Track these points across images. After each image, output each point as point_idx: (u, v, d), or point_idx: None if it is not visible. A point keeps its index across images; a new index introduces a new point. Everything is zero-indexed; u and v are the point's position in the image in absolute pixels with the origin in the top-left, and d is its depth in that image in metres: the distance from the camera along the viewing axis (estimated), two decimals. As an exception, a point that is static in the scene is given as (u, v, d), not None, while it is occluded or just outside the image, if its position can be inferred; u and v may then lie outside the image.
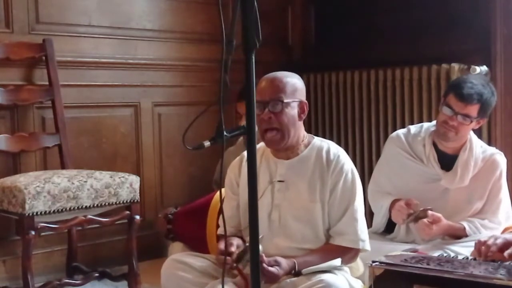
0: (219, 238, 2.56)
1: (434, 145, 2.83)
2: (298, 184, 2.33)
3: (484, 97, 2.68)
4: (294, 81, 2.32)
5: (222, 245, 2.22)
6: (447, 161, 2.80)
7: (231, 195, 2.43)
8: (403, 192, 2.83)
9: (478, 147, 2.81)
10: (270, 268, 2.14)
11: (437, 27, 3.90)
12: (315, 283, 2.11)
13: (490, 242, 2.26)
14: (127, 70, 3.79)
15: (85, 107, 3.63)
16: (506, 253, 2.20)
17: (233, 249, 2.21)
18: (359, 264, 2.46)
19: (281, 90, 2.27)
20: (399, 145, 2.90)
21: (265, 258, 2.15)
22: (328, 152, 2.35)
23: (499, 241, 2.26)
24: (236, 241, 2.29)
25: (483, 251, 2.24)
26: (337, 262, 2.25)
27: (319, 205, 2.31)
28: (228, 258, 2.15)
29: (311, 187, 2.32)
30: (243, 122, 3.30)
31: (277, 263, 2.17)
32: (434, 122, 2.87)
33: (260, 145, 2.48)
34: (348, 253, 2.31)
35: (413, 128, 2.93)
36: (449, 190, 2.80)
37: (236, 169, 2.44)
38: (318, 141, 2.40)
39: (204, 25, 4.09)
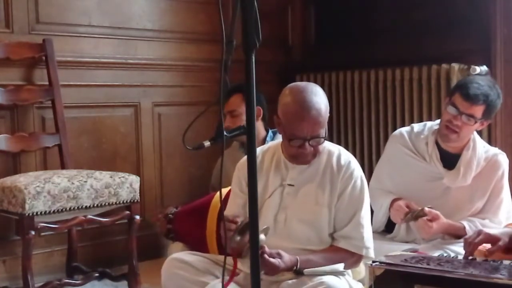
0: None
1: (437, 143, 2.83)
2: (307, 188, 2.33)
3: (490, 98, 2.69)
4: (327, 107, 2.28)
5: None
6: (449, 160, 2.80)
7: (238, 193, 2.43)
8: (404, 190, 2.84)
9: (481, 147, 2.82)
10: (271, 260, 2.15)
11: (437, 27, 3.90)
12: (316, 285, 2.12)
13: (471, 240, 2.27)
14: (127, 70, 3.79)
15: (85, 107, 3.63)
16: (486, 250, 2.22)
17: (238, 220, 2.19)
18: (361, 267, 2.46)
19: (322, 125, 2.25)
20: (401, 142, 2.90)
21: (266, 249, 2.15)
22: (339, 157, 2.36)
23: (480, 237, 2.26)
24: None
25: (468, 249, 2.25)
26: (340, 266, 2.26)
27: (326, 209, 2.31)
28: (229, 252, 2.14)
29: (320, 190, 2.32)
30: (227, 123, 3.33)
31: (279, 256, 2.18)
32: (437, 121, 2.87)
33: (270, 146, 2.48)
34: (351, 258, 2.31)
35: (416, 127, 2.94)
36: (451, 189, 2.81)
37: (245, 168, 2.43)
38: (328, 145, 2.40)
39: (204, 25, 4.09)
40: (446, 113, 2.75)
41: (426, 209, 2.65)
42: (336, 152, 2.38)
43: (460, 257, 2.26)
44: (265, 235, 2.14)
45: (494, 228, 2.74)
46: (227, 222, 2.20)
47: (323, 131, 2.26)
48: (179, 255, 2.42)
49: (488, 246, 2.29)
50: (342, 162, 2.35)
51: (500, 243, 2.25)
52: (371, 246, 2.33)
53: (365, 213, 2.35)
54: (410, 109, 3.93)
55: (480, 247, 2.32)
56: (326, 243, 2.33)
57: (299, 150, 2.27)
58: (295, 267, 2.20)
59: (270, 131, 3.46)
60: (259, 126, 3.40)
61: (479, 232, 2.30)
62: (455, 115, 2.70)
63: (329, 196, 2.32)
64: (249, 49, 1.65)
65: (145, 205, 3.77)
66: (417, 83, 3.88)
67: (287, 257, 2.19)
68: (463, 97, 2.69)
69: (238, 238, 2.11)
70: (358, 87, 4.18)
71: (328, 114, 2.28)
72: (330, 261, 2.26)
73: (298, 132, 2.23)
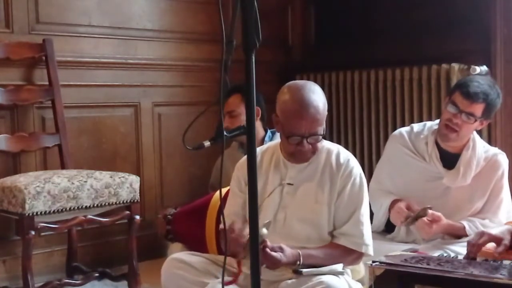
0: (221, 232, 2.54)
1: (437, 143, 2.83)
2: (307, 187, 2.34)
3: (489, 97, 2.69)
4: (325, 105, 2.28)
5: (235, 225, 2.20)
6: (449, 160, 2.80)
7: (238, 193, 2.43)
8: (404, 190, 2.84)
9: (481, 147, 2.82)
10: (273, 253, 2.15)
11: (437, 27, 3.90)
12: (316, 285, 2.12)
13: (474, 241, 2.27)
14: (127, 70, 3.79)
15: (85, 107, 3.63)
16: (495, 252, 2.22)
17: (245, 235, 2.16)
18: (361, 267, 2.46)
19: (320, 123, 2.26)
20: (401, 142, 2.90)
21: (268, 243, 2.16)
22: (338, 155, 2.37)
23: (483, 238, 2.26)
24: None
25: (471, 251, 2.25)
26: (338, 267, 2.26)
27: (326, 207, 2.32)
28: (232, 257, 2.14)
29: (320, 189, 2.33)
30: (226, 123, 3.33)
31: (281, 250, 2.18)
32: (437, 121, 2.88)
33: (269, 146, 2.49)
34: (351, 255, 2.32)
35: (416, 126, 2.94)
36: (450, 189, 2.81)
37: (244, 168, 2.43)
38: (327, 144, 2.41)
39: (204, 25, 4.09)
40: (446, 112, 2.75)
41: (429, 211, 2.64)
42: (335, 150, 2.39)
43: (460, 257, 2.26)
44: (267, 229, 2.14)
45: (494, 227, 2.74)
46: (236, 234, 2.18)
47: (321, 129, 2.27)
48: (179, 256, 2.42)
49: (489, 246, 2.29)
50: (341, 160, 2.36)
51: (505, 242, 2.25)
52: (371, 244, 2.34)
53: (365, 211, 2.36)
54: (410, 109, 3.93)
55: (484, 248, 2.32)
56: (326, 241, 2.33)
57: (298, 148, 2.27)
58: (298, 262, 2.21)
59: (268, 131, 3.46)
60: (258, 126, 3.40)
61: (482, 233, 2.30)
62: (455, 113, 2.70)
63: (328, 194, 2.32)
64: (249, 49, 1.65)
65: (145, 205, 3.77)
66: (417, 83, 3.88)
67: (288, 251, 2.20)
68: (463, 95, 2.69)
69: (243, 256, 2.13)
70: (358, 87, 4.18)
71: (326, 112, 2.29)
72: (331, 257, 2.27)
73: (297, 130, 2.24)
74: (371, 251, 2.33)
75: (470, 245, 2.28)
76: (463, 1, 3.81)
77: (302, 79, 4.26)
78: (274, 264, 2.17)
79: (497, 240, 2.26)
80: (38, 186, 2.79)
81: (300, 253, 2.22)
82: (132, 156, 3.84)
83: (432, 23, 3.92)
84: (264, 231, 2.12)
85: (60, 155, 3.35)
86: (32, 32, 3.39)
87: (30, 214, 2.76)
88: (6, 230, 3.30)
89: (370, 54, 4.14)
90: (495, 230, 2.34)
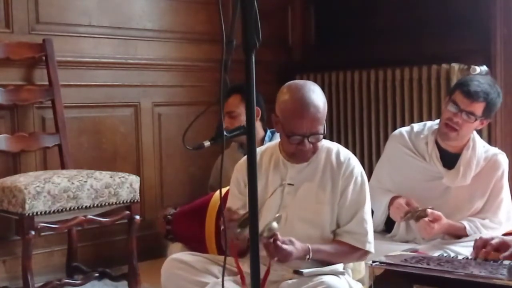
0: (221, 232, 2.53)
1: (437, 143, 2.84)
2: (307, 187, 2.34)
3: (490, 96, 2.70)
4: (325, 104, 2.29)
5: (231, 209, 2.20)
6: (449, 160, 2.80)
7: (237, 195, 2.43)
8: (404, 189, 2.84)
9: (481, 147, 2.82)
10: (285, 246, 2.15)
11: (437, 27, 3.90)
12: (316, 285, 2.13)
13: (485, 240, 2.27)
14: (127, 70, 3.79)
15: (85, 107, 3.63)
16: (501, 256, 2.21)
17: (240, 212, 2.17)
18: (362, 267, 2.46)
19: (321, 121, 2.26)
20: (401, 142, 2.91)
21: (279, 237, 2.15)
22: (338, 154, 2.37)
23: (495, 240, 2.26)
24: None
25: (483, 250, 2.24)
26: (339, 267, 2.27)
27: (328, 207, 2.32)
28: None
29: (321, 189, 2.33)
30: (225, 124, 3.34)
31: (292, 243, 2.18)
32: (437, 121, 2.88)
33: (268, 147, 2.49)
34: (356, 252, 2.33)
35: (416, 126, 2.95)
36: (450, 189, 2.81)
37: (243, 169, 2.43)
38: (326, 143, 2.41)
39: (204, 25, 4.09)
40: (446, 111, 2.76)
41: (429, 210, 2.64)
42: (334, 149, 2.39)
43: (460, 257, 2.26)
44: (278, 223, 2.14)
45: (496, 228, 2.74)
46: (229, 212, 2.18)
47: (322, 128, 2.27)
48: (178, 256, 2.42)
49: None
50: (342, 158, 2.36)
51: None
52: (372, 242, 2.36)
53: (367, 209, 2.37)
54: (410, 109, 3.93)
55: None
56: (328, 241, 2.34)
57: (298, 147, 2.27)
58: (308, 256, 2.21)
59: (268, 131, 3.47)
60: (257, 126, 3.40)
61: (492, 236, 2.30)
62: (455, 112, 2.71)
63: (330, 194, 2.33)
64: (249, 49, 1.65)
65: (145, 205, 3.78)
66: (417, 83, 3.88)
67: (299, 245, 2.20)
68: (463, 94, 2.70)
69: (238, 230, 2.10)
70: (358, 87, 4.18)
71: (326, 111, 2.29)
72: (339, 252, 2.29)
73: (297, 129, 2.24)
74: (372, 249, 2.35)
75: (482, 241, 2.26)
76: (463, 1, 3.81)
77: (302, 79, 4.25)
78: (286, 257, 2.16)
79: (506, 245, 2.26)
80: (38, 186, 2.79)
81: (310, 247, 2.22)
82: (132, 156, 3.84)
83: (432, 23, 3.92)
84: (274, 225, 2.12)
85: (60, 155, 3.36)
86: (32, 32, 3.39)
87: (30, 214, 2.76)
88: (6, 230, 3.30)
89: (370, 54, 4.14)
90: (507, 238, 2.33)
